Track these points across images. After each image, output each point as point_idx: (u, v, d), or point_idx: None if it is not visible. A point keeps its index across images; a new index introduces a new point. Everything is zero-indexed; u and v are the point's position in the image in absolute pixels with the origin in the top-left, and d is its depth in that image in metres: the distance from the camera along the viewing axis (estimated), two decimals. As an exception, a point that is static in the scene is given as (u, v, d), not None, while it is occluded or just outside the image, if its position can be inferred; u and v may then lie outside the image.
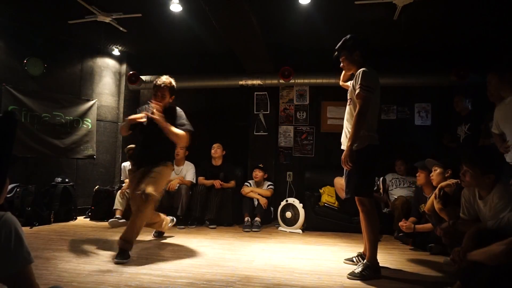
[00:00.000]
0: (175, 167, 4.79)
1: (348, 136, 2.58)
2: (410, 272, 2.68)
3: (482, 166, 2.19)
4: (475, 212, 2.37)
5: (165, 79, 3.20)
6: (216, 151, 4.90)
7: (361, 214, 2.66)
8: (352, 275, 2.45)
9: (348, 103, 2.77)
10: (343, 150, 2.71)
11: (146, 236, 3.75)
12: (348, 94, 2.79)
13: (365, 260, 2.57)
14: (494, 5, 3.89)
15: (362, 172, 2.55)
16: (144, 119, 3.06)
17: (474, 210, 2.37)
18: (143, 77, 5.52)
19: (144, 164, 3.13)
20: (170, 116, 3.15)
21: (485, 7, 3.93)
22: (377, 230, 2.65)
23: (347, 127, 2.69)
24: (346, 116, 2.74)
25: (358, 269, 2.49)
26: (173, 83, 3.24)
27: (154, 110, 3.03)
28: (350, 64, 2.73)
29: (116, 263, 2.67)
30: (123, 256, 2.75)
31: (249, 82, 5.29)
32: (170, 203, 4.58)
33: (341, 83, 3.10)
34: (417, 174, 3.64)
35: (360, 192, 2.58)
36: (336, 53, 2.80)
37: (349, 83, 2.86)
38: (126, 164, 4.82)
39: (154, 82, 3.22)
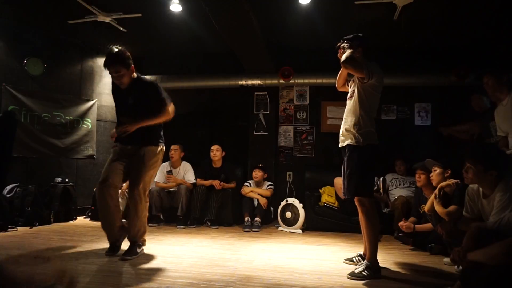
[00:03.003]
0: (172, 168, 4.79)
1: (346, 132, 2.62)
2: (410, 272, 2.68)
3: (484, 163, 2.19)
4: (478, 211, 2.37)
5: (112, 53, 2.73)
6: (215, 154, 4.80)
7: (360, 214, 2.66)
8: (352, 275, 2.45)
9: (348, 97, 2.74)
10: (341, 149, 2.73)
11: (146, 236, 3.75)
12: (349, 89, 2.77)
13: (365, 260, 2.57)
14: (494, 5, 3.89)
15: (362, 172, 2.55)
16: None
17: (477, 208, 2.37)
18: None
19: (130, 143, 2.90)
20: (142, 91, 2.86)
21: (485, 7, 3.93)
22: (377, 230, 2.65)
23: (346, 123, 2.67)
24: (346, 112, 2.71)
25: (358, 269, 2.49)
26: (122, 53, 2.75)
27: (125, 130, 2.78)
28: None
29: (121, 259, 2.74)
30: (131, 252, 2.80)
31: (249, 82, 5.29)
32: (170, 203, 4.59)
33: (338, 87, 2.96)
34: (416, 176, 3.64)
35: (361, 192, 2.57)
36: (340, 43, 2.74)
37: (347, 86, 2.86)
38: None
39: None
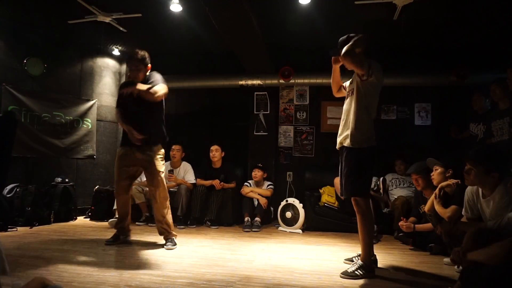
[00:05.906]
0: (172, 168, 4.79)
1: (344, 133, 2.60)
2: (410, 272, 2.67)
3: (486, 165, 2.18)
4: (478, 211, 2.37)
5: (136, 51, 3.22)
6: (215, 155, 4.79)
7: (357, 215, 2.65)
8: (345, 274, 2.44)
9: (346, 97, 2.72)
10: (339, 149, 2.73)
11: (146, 236, 3.75)
12: (347, 87, 2.74)
13: (359, 260, 2.57)
14: (494, 5, 3.89)
15: (359, 172, 2.55)
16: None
17: (477, 209, 2.37)
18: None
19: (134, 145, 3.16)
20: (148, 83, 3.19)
21: (485, 7, 3.93)
22: (372, 231, 2.66)
23: (345, 124, 2.64)
24: (344, 112, 2.68)
25: (351, 268, 2.48)
26: (143, 54, 3.21)
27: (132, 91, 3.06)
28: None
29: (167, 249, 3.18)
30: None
31: (249, 82, 5.29)
32: (170, 203, 4.57)
33: (335, 93, 2.95)
34: (413, 181, 3.60)
35: (358, 193, 2.57)
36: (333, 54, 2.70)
37: (345, 84, 2.85)
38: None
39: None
